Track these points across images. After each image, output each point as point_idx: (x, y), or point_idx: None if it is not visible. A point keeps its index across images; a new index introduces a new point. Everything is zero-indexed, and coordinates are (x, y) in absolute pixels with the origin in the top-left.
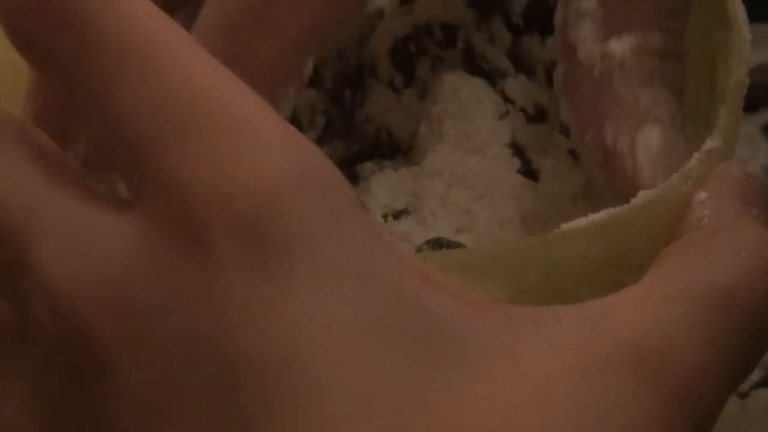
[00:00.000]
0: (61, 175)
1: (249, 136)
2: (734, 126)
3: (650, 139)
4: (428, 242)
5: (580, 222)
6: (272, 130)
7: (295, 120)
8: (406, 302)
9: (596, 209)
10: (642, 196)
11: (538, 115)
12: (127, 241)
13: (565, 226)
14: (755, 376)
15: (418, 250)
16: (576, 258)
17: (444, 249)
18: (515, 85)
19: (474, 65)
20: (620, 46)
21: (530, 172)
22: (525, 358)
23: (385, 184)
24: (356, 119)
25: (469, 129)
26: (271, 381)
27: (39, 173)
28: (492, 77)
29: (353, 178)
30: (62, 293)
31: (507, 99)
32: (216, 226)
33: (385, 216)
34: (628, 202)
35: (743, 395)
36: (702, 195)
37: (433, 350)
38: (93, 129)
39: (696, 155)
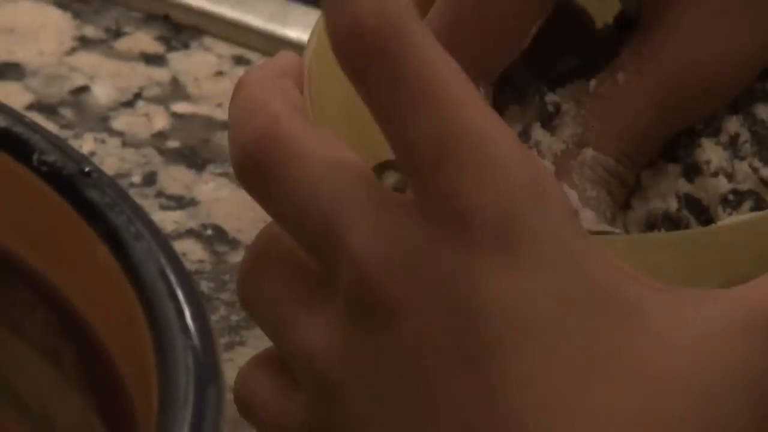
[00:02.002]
0: (365, 179)
1: (499, 162)
2: None
3: (586, 220)
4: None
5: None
6: (515, 155)
7: None
8: (600, 284)
9: None
10: None
11: None
12: (414, 231)
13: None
14: None
15: None
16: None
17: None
18: None
19: None
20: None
21: None
22: (687, 327)
23: None
24: None
25: None
26: (500, 333)
27: (346, 175)
28: None
29: None
30: (368, 264)
31: None
32: (476, 227)
33: None
34: None
35: None
36: None
37: (618, 318)
38: (391, 144)
39: None
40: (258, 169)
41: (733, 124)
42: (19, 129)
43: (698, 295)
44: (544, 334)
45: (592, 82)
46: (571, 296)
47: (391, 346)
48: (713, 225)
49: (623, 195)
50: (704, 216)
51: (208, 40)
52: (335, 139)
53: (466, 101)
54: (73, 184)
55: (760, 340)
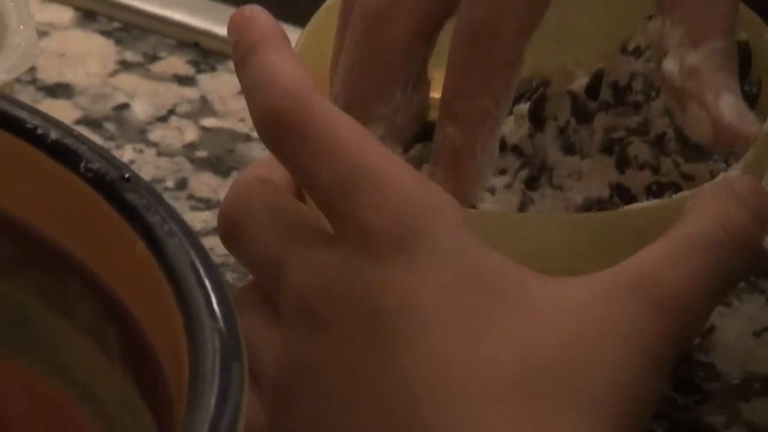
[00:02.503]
0: (300, 223)
1: (392, 186)
2: None
3: (729, 102)
4: None
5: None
6: (405, 179)
7: None
8: (487, 273)
9: None
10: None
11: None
12: (333, 257)
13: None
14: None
15: None
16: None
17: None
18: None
19: None
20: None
21: None
22: (565, 298)
23: None
24: None
25: None
26: (403, 322)
27: (287, 224)
28: None
29: None
30: (305, 291)
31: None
32: (377, 240)
33: None
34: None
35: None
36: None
37: (502, 297)
38: (308, 193)
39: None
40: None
41: (661, 125)
42: (68, 141)
43: (580, 278)
44: (438, 318)
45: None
46: (461, 285)
47: (324, 350)
48: (624, 208)
49: (737, 68)
50: (633, 203)
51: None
52: (286, 196)
53: (360, 144)
54: (115, 188)
55: (633, 299)
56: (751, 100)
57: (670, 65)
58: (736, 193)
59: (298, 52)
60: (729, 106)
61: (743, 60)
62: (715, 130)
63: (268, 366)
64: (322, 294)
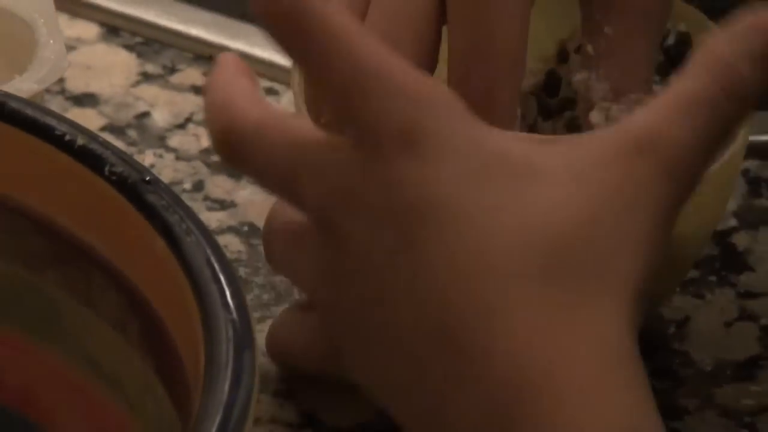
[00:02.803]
0: (307, 138)
1: (396, 85)
2: None
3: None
4: None
5: None
6: (409, 78)
7: None
8: (494, 154)
9: None
10: None
11: None
12: (345, 162)
13: None
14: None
15: None
16: None
17: None
18: None
19: None
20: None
21: None
22: (572, 165)
23: None
24: None
25: None
26: (421, 215)
27: (295, 138)
28: None
29: None
30: (320, 205)
31: None
32: (385, 138)
33: None
34: None
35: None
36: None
37: (516, 174)
38: (323, 98)
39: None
40: (232, 156)
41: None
42: (94, 146)
43: (590, 137)
44: (456, 206)
45: (588, 48)
46: (473, 171)
47: (353, 259)
48: None
49: None
50: None
51: None
52: (284, 114)
53: (366, 47)
54: (137, 190)
55: (644, 161)
56: (683, 47)
57: (596, 117)
58: (734, 47)
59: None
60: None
61: (684, 50)
62: None
63: (307, 281)
64: (340, 203)
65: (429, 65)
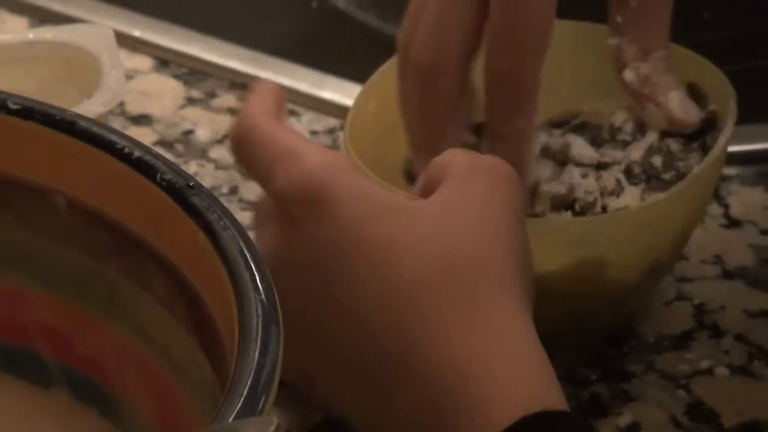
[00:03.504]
0: (280, 153)
1: (297, 157)
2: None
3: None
4: None
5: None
6: (309, 151)
7: None
8: (384, 198)
9: None
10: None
11: None
12: (275, 230)
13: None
14: None
15: None
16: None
17: None
18: None
19: None
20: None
21: None
22: (442, 202)
23: None
24: None
25: None
26: (330, 257)
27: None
28: None
29: None
30: (281, 195)
31: None
32: (289, 201)
33: None
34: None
35: (666, 304)
36: None
37: (402, 212)
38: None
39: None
40: (236, 152)
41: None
42: (148, 157)
43: (435, 193)
44: (356, 246)
45: (617, 18)
46: (364, 215)
47: (300, 243)
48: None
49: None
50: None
51: None
52: (280, 131)
53: (279, 137)
54: (183, 194)
55: (484, 178)
56: (711, 124)
57: (629, 75)
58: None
59: (359, 100)
60: (676, 102)
61: (698, 101)
62: (668, 122)
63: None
64: (271, 261)
65: (473, 46)
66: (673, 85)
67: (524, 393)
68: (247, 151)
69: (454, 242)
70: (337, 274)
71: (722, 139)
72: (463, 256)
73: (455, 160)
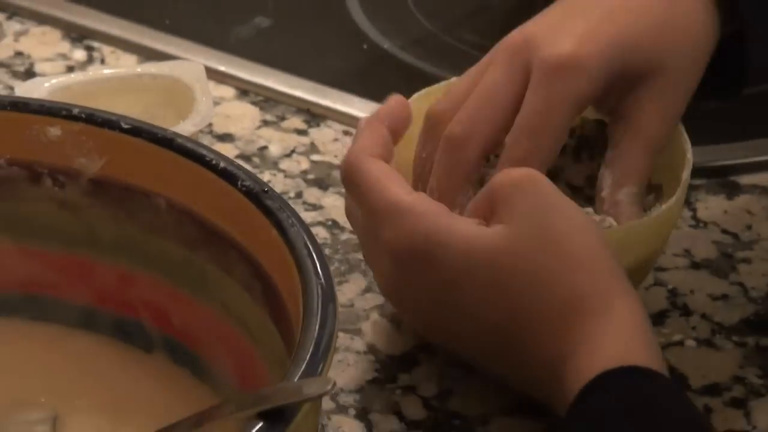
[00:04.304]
0: (391, 202)
1: (401, 218)
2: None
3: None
4: None
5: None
6: (410, 208)
7: None
8: (469, 250)
9: None
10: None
11: None
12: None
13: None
14: None
15: None
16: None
17: None
18: None
19: None
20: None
21: None
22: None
23: None
24: None
25: None
26: (447, 287)
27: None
28: None
29: None
30: (389, 246)
31: None
32: (399, 255)
33: None
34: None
35: (646, 289)
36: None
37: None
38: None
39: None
40: (345, 186)
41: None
42: (231, 168)
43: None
44: (460, 283)
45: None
46: (461, 264)
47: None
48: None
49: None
50: None
51: (330, 122)
52: (380, 172)
53: (385, 185)
54: (259, 197)
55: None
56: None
57: (605, 195)
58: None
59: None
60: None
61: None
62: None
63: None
64: (389, 277)
65: (500, 136)
66: (634, 216)
67: (619, 353)
68: (353, 189)
69: (534, 256)
70: (453, 297)
71: (680, 191)
72: (549, 265)
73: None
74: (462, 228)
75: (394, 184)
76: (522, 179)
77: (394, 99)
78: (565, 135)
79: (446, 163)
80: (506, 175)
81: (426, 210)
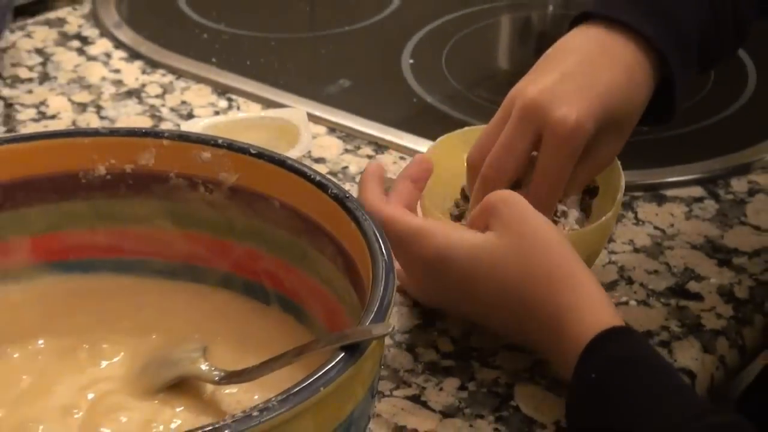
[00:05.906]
0: (407, 236)
1: (426, 239)
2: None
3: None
4: None
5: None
6: (433, 233)
7: None
8: (471, 257)
9: None
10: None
11: None
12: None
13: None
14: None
15: None
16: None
17: None
18: None
19: None
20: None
21: None
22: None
23: None
24: None
25: None
26: (463, 285)
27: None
28: None
29: None
30: (417, 260)
31: None
32: (426, 266)
33: None
34: None
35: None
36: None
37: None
38: None
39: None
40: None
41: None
42: (324, 181)
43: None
44: (476, 279)
45: None
46: (472, 268)
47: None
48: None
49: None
50: None
51: (391, 151)
52: (397, 215)
53: (392, 217)
54: (343, 200)
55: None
56: (592, 194)
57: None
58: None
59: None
60: (571, 222)
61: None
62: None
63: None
64: (417, 289)
65: (521, 172)
66: (575, 218)
67: (601, 318)
68: (386, 228)
69: (528, 254)
70: (466, 288)
71: (614, 209)
72: (539, 260)
73: (494, 206)
74: (465, 237)
75: (409, 216)
76: (505, 199)
77: (417, 158)
78: (568, 176)
79: (482, 193)
80: (495, 196)
81: (436, 229)
